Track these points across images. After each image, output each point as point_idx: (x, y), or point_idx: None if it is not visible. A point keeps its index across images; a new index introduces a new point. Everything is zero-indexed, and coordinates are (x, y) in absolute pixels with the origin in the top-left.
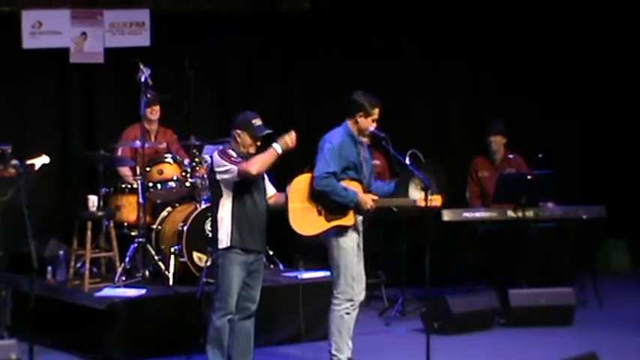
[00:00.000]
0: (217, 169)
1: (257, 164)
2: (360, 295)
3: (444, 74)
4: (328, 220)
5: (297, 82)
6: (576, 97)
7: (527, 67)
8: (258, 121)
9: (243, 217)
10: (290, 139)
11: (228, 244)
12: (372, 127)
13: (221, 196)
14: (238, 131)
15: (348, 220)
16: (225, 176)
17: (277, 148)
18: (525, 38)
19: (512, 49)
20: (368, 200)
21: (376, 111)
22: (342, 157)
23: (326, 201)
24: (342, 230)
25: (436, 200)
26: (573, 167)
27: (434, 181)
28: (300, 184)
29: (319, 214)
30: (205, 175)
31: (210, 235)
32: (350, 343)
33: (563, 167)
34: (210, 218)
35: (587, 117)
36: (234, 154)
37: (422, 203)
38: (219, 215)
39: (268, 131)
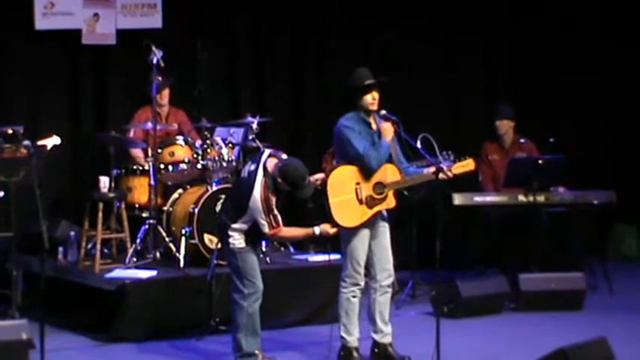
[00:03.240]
0: (253, 208)
1: (289, 237)
2: (385, 281)
3: (457, 52)
4: (370, 207)
5: (310, 63)
6: (589, 79)
7: (539, 47)
8: (305, 182)
9: (256, 234)
10: (332, 230)
11: (243, 245)
12: (373, 101)
13: (243, 214)
14: (280, 180)
15: (389, 202)
16: (255, 219)
17: (316, 230)
18: (538, 16)
19: (528, 27)
20: (387, 129)
21: (368, 82)
22: (359, 135)
23: (363, 188)
24: None
25: (469, 165)
26: (584, 152)
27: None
28: (337, 177)
29: (360, 202)
30: (217, 158)
31: (222, 224)
32: (381, 326)
33: (575, 152)
34: (221, 200)
35: (601, 101)
36: (274, 201)
37: (456, 171)
38: (236, 225)
39: (308, 194)
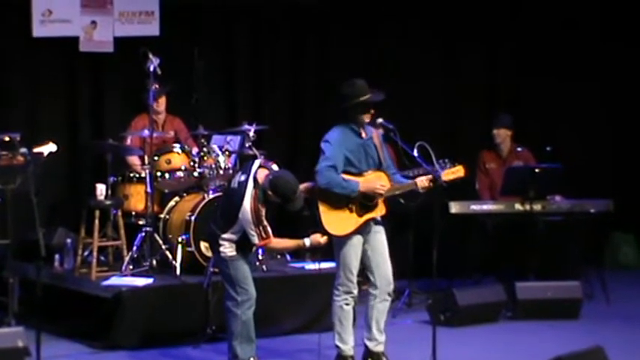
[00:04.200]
0: (243, 219)
1: (279, 248)
2: (386, 288)
3: (456, 57)
4: (360, 215)
5: (307, 72)
6: (589, 84)
7: (540, 52)
8: (295, 196)
9: (246, 243)
10: (323, 240)
11: (234, 254)
12: (369, 117)
13: (233, 225)
14: (271, 193)
15: (380, 211)
16: (245, 230)
17: (307, 242)
18: (539, 21)
19: (527, 32)
20: (372, 184)
21: (364, 98)
22: (340, 152)
23: (353, 196)
24: None
25: (459, 171)
26: (582, 161)
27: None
28: None
29: (350, 211)
30: (213, 165)
31: (212, 233)
32: (375, 335)
33: (572, 160)
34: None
35: (600, 109)
36: (263, 212)
37: (446, 178)
38: (226, 235)
39: (299, 207)
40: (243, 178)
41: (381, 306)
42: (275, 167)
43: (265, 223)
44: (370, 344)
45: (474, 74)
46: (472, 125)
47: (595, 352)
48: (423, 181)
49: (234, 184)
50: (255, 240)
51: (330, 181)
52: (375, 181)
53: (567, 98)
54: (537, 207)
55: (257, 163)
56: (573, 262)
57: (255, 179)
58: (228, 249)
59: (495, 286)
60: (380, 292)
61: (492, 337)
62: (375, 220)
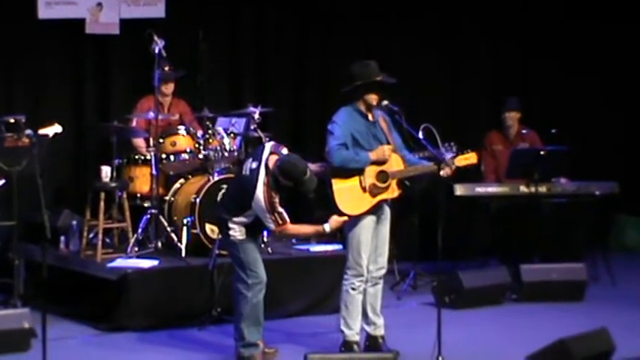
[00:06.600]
0: (257, 208)
1: (297, 234)
2: (376, 272)
3: (460, 40)
4: (374, 196)
5: (312, 54)
6: (593, 71)
7: (544, 37)
8: (306, 177)
9: (257, 226)
10: (342, 219)
11: (244, 237)
12: (376, 98)
13: (246, 211)
14: (282, 179)
15: (392, 192)
16: (260, 217)
17: (327, 228)
18: (545, 7)
19: (531, 18)
20: (381, 151)
21: (377, 79)
22: (348, 132)
23: (367, 176)
24: None
25: (471, 158)
26: (587, 143)
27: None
28: None
29: (364, 191)
30: (218, 148)
31: (221, 217)
32: (372, 318)
33: (578, 143)
34: (222, 190)
35: (604, 93)
36: (277, 199)
37: (459, 164)
38: (237, 219)
39: (313, 187)
40: (254, 165)
41: (372, 290)
42: (285, 151)
43: (280, 209)
44: (369, 328)
45: (476, 58)
46: (475, 109)
47: (599, 333)
48: (447, 170)
49: (246, 170)
50: (272, 226)
51: (343, 158)
52: (382, 149)
53: (571, 82)
54: (542, 189)
55: (268, 149)
56: (578, 245)
57: (266, 166)
58: (238, 232)
59: (500, 268)
60: (371, 277)
61: (497, 319)
62: (387, 203)
